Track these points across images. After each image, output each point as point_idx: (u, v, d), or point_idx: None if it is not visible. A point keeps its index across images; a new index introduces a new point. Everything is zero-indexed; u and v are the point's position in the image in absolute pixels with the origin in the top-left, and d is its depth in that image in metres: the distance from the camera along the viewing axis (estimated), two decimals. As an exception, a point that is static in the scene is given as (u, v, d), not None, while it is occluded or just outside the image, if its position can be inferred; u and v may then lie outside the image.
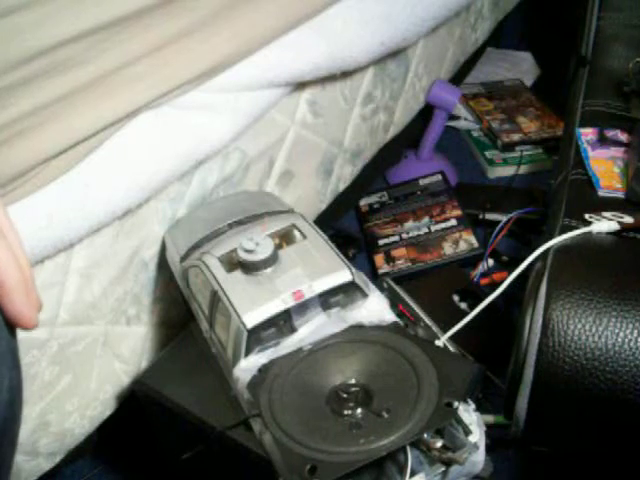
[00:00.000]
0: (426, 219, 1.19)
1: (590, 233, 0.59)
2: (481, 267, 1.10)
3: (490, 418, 0.80)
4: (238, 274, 0.65)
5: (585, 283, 0.52)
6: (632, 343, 0.49)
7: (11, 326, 0.39)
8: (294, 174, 0.90)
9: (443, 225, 1.17)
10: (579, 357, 0.50)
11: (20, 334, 0.41)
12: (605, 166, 0.74)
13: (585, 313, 0.51)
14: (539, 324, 0.52)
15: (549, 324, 0.51)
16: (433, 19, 0.99)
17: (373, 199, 1.27)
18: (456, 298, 1.04)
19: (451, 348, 0.64)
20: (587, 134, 0.80)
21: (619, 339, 0.50)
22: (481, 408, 0.59)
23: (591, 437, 0.55)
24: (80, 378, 0.71)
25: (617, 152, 0.76)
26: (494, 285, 1.08)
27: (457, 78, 1.32)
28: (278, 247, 0.66)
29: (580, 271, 0.54)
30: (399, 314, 0.67)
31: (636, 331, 0.49)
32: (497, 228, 1.13)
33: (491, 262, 1.12)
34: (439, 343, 0.63)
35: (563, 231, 0.60)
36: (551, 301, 0.52)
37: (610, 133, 0.79)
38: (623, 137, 0.78)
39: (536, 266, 0.58)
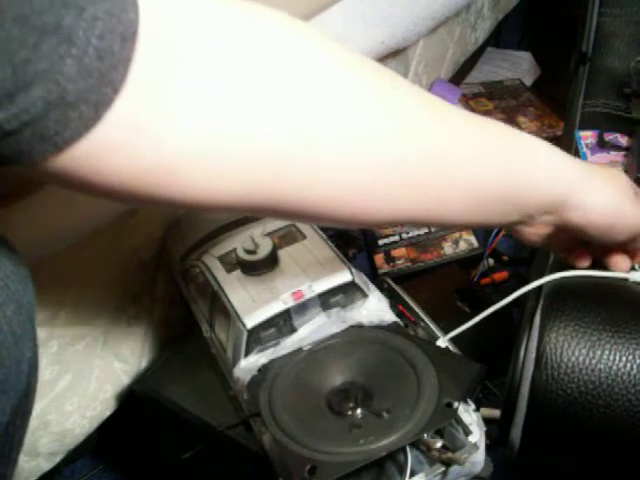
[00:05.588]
0: (426, 219, 1.19)
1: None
2: (481, 267, 1.10)
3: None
4: (238, 274, 0.65)
5: (579, 315, 0.51)
6: (625, 376, 0.49)
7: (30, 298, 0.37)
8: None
9: (443, 225, 1.17)
10: (572, 390, 0.49)
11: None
12: (604, 171, 0.74)
13: (579, 345, 0.50)
14: (533, 356, 0.51)
15: (542, 356, 0.50)
16: (433, 19, 0.99)
17: (373, 199, 1.27)
18: (456, 298, 1.04)
19: (451, 348, 0.64)
20: (587, 137, 0.79)
21: (612, 372, 0.49)
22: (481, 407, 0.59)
23: (585, 466, 0.54)
24: (80, 378, 0.71)
25: (617, 157, 0.76)
26: (494, 285, 1.08)
27: (457, 78, 1.31)
28: (278, 247, 0.66)
29: (574, 302, 0.53)
30: (399, 314, 0.67)
31: (629, 364, 0.49)
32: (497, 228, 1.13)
33: (491, 262, 1.12)
34: (440, 343, 0.63)
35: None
36: (545, 333, 0.51)
37: (610, 136, 0.78)
38: (623, 140, 0.78)
39: (530, 295, 0.57)
